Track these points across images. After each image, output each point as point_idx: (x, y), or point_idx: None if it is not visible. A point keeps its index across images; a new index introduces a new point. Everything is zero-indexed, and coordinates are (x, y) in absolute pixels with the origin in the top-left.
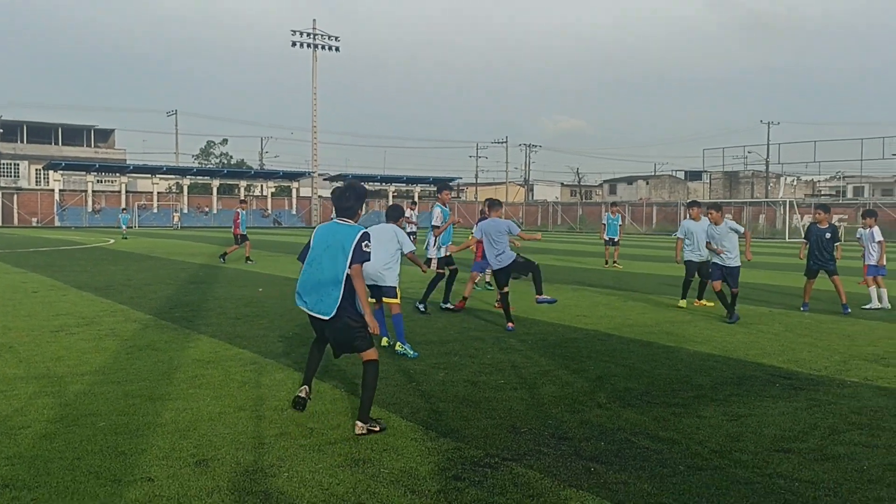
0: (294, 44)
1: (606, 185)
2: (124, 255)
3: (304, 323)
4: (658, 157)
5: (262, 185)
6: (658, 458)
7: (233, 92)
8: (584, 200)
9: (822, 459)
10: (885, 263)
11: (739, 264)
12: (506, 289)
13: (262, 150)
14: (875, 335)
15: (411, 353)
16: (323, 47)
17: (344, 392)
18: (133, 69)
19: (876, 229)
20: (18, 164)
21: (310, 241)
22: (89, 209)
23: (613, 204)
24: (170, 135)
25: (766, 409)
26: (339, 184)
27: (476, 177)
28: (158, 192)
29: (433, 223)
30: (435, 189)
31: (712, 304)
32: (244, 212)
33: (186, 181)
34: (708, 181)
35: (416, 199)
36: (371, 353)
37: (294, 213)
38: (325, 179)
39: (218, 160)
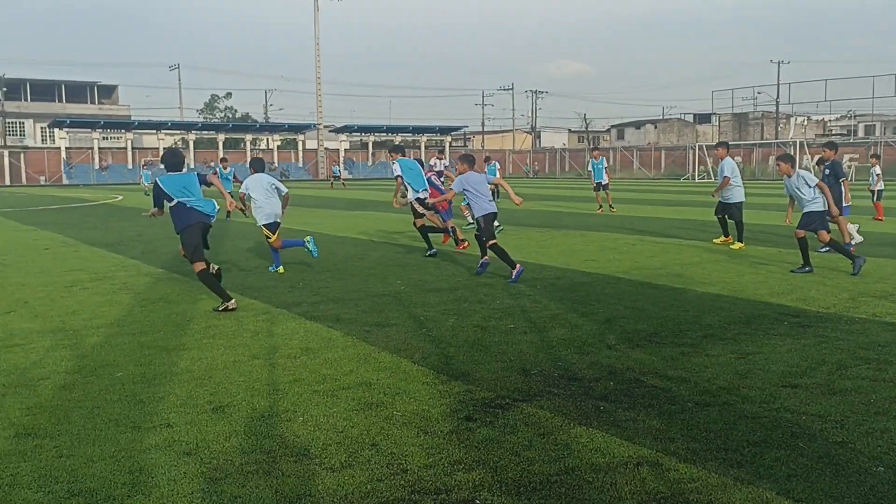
0: None
1: (614, 131)
2: (133, 211)
3: (313, 271)
4: (666, 101)
5: (267, 139)
6: (667, 395)
7: (236, 44)
8: (591, 146)
9: (829, 394)
10: (849, 202)
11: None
12: (493, 241)
13: (266, 102)
14: (883, 272)
15: (314, 251)
16: None
17: (356, 339)
18: (134, 23)
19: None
20: (24, 123)
21: (162, 192)
22: (96, 166)
23: (594, 148)
24: (173, 89)
25: (773, 346)
26: (344, 136)
27: (482, 125)
28: (164, 148)
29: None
30: (441, 138)
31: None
32: (225, 170)
33: (192, 136)
34: (717, 123)
35: (423, 148)
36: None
37: (300, 165)
38: (330, 131)
39: (223, 114)
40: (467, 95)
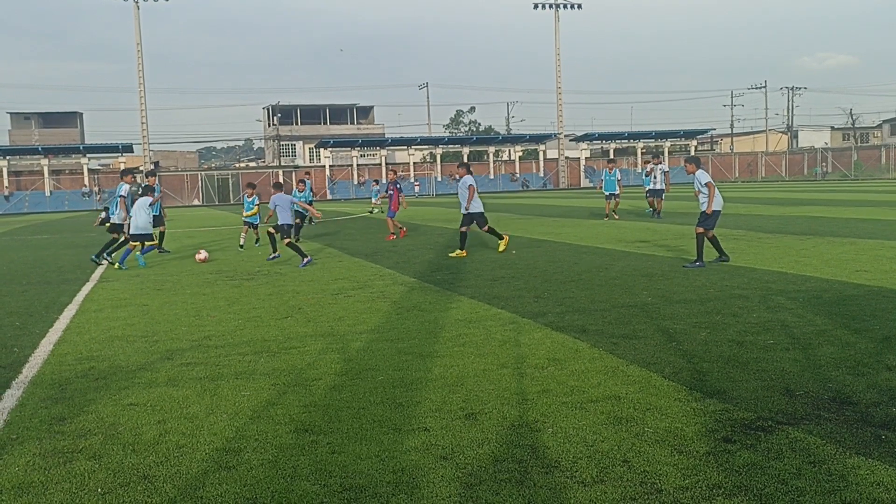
0: (536, 6)
1: (887, 126)
2: (386, 223)
3: (557, 281)
4: None
5: (509, 150)
6: None
7: (479, 60)
8: (859, 144)
9: None
10: None
11: None
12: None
13: (508, 114)
14: None
15: (124, 267)
16: (565, 6)
17: (602, 350)
18: (387, 49)
19: None
20: (295, 145)
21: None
22: (355, 182)
23: (611, 161)
24: (422, 107)
25: None
26: (585, 144)
27: (731, 126)
28: (414, 163)
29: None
30: (686, 143)
31: None
32: (249, 198)
33: (439, 150)
34: None
35: (667, 153)
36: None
37: (541, 175)
38: (571, 140)
39: (467, 128)
40: (714, 96)
